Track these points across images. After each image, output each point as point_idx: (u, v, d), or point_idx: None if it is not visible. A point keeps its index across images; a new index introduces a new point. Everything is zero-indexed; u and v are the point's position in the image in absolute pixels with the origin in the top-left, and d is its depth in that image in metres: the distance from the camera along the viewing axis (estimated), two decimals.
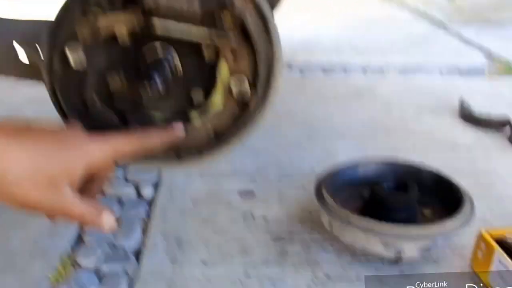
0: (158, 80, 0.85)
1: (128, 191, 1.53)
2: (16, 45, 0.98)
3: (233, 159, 1.72)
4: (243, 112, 0.90)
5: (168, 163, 0.97)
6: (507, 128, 1.94)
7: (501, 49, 3.13)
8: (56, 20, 0.87)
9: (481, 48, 3.21)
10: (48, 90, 0.92)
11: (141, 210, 1.44)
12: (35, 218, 1.36)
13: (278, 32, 0.89)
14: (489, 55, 3.07)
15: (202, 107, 0.91)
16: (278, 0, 2.93)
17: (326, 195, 1.23)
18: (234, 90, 0.89)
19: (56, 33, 0.87)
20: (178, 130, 0.87)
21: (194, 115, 0.92)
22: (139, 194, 1.53)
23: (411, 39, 3.44)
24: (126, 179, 1.60)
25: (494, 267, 1.13)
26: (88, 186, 0.80)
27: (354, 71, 2.74)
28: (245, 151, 1.77)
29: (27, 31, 0.98)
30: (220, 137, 0.92)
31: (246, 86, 0.88)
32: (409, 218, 1.23)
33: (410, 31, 3.68)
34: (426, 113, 2.15)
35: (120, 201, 1.48)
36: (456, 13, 3.84)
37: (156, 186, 1.56)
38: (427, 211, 1.29)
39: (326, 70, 2.74)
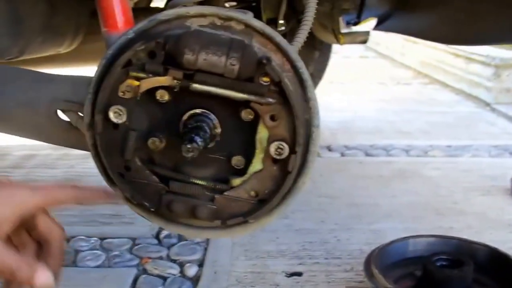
0: (199, 143, 0.86)
1: (172, 271, 1.58)
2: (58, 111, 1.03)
3: (279, 239, 1.77)
4: (284, 177, 0.91)
5: (215, 233, 1.00)
6: None
7: None
8: (96, 81, 0.91)
9: None
10: (91, 152, 0.97)
11: None
12: None
13: (316, 99, 0.93)
14: None
15: (243, 173, 0.94)
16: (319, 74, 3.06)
17: (376, 273, 1.26)
18: (274, 155, 0.91)
19: (98, 94, 0.91)
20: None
21: (235, 181, 0.94)
22: (183, 274, 1.58)
23: (455, 120, 3.51)
24: (171, 259, 1.65)
25: None
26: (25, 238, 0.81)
27: (397, 153, 2.79)
28: (291, 232, 1.82)
29: (67, 91, 1.03)
30: (263, 202, 0.94)
31: (286, 151, 0.90)
32: None
33: (455, 112, 3.75)
34: (477, 194, 2.18)
35: (165, 280, 1.53)
36: (503, 94, 3.90)
37: (200, 265, 1.61)
38: None
39: (368, 152, 2.81)
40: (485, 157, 2.74)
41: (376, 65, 6.18)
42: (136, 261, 1.64)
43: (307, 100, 0.91)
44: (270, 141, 0.90)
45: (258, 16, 2.33)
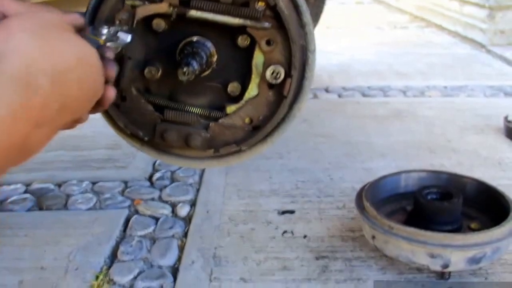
0: (195, 65, 0.85)
1: (164, 211, 1.53)
2: None
3: (271, 178, 1.71)
4: (279, 102, 0.90)
5: (208, 162, 0.96)
6: None
7: None
8: (92, 10, 0.89)
9: None
10: None
11: (178, 230, 1.44)
12: (69, 235, 1.38)
13: (312, 24, 0.89)
14: None
15: (238, 100, 0.92)
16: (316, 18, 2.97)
17: (368, 205, 1.21)
18: (270, 80, 0.89)
19: (94, 23, 0.88)
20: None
21: (230, 108, 0.92)
22: (175, 214, 1.52)
23: (452, 62, 3.42)
24: (163, 200, 1.60)
25: None
26: None
27: (394, 94, 2.72)
28: (284, 171, 1.76)
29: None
30: (257, 129, 0.91)
31: (281, 75, 0.89)
32: (454, 230, 1.20)
33: (451, 53, 3.66)
34: (470, 133, 2.12)
35: (157, 221, 1.48)
36: (498, 36, 3.80)
37: (192, 205, 1.56)
38: (473, 225, 1.25)
39: (365, 93, 2.73)
40: (480, 97, 2.67)
41: (372, 10, 6.05)
42: (128, 203, 1.59)
43: (302, 26, 0.89)
44: (266, 65, 0.89)
45: None
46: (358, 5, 6.63)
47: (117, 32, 0.76)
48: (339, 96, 2.71)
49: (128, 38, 0.76)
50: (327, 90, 2.79)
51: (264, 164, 1.81)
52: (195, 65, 0.85)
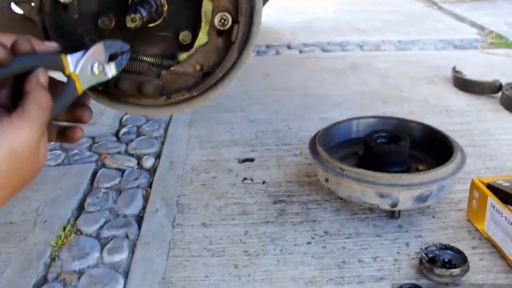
0: (143, 12, 0.82)
1: (130, 164, 1.49)
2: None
3: (232, 129, 1.68)
4: (228, 49, 0.87)
5: (161, 110, 0.93)
6: (500, 93, 1.89)
7: (492, 24, 3.08)
8: None
9: (473, 24, 3.16)
10: (41, 34, 0.89)
11: (143, 180, 1.41)
12: (37, 190, 1.34)
13: None
14: (481, 30, 3.01)
15: (189, 47, 0.88)
16: None
17: (320, 150, 1.19)
18: (218, 26, 0.86)
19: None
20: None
21: (181, 56, 0.89)
22: (141, 166, 1.49)
23: (406, 18, 3.39)
24: (129, 153, 1.56)
25: (488, 214, 1.09)
26: None
27: (352, 48, 2.68)
28: (245, 123, 1.73)
29: None
30: (208, 75, 0.89)
31: (229, 21, 0.86)
32: (403, 171, 1.18)
33: (405, 11, 3.63)
34: (421, 83, 2.10)
35: (123, 173, 1.44)
36: None
37: (157, 157, 1.52)
38: (421, 166, 1.24)
39: (325, 48, 2.69)
40: (431, 50, 2.65)
41: None
42: (95, 157, 1.55)
43: None
44: (214, 12, 0.86)
45: None
46: None
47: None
48: (300, 51, 2.66)
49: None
50: (289, 47, 2.74)
51: (226, 116, 1.77)
52: (143, 12, 0.81)
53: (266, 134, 1.64)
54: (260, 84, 2.08)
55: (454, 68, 2.11)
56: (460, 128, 1.66)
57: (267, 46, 2.72)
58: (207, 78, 0.88)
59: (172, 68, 0.89)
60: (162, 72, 0.89)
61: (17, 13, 0.98)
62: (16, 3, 1.00)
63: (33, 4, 0.92)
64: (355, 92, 2.01)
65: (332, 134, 1.30)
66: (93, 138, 1.66)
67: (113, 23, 0.88)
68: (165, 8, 0.89)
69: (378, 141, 1.21)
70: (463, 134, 1.61)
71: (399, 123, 1.33)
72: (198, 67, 0.89)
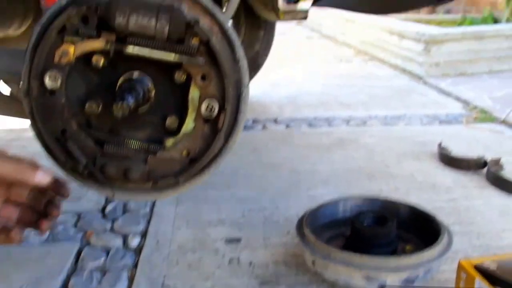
0: (130, 100, 0.84)
1: (116, 242, 1.49)
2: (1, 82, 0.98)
3: (219, 208, 1.69)
4: (215, 135, 0.90)
5: (147, 195, 0.95)
6: (485, 169, 1.93)
7: (477, 99, 3.16)
8: (32, 48, 0.87)
9: (458, 99, 3.24)
10: (28, 116, 0.91)
11: (128, 260, 1.41)
12: (20, 270, 1.33)
13: (245, 59, 0.89)
14: (466, 105, 3.09)
15: (176, 133, 0.91)
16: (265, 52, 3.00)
17: (307, 232, 1.20)
18: (205, 113, 0.89)
19: (33, 60, 0.86)
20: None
21: (168, 142, 0.91)
22: (127, 245, 1.49)
23: (392, 92, 3.47)
24: (115, 231, 1.56)
25: None
26: None
27: (338, 124, 2.74)
28: (232, 201, 1.75)
29: (5, 63, 0.97)
30: (194, 161, 0.91)
31: (216, 109, 0.88)
32: (390, 253, 1.20)
33: (391, 85, 3.72)
34: (407, 159, 2.14)
35: (108, 252, 1.44)
36: (433, 68, 3.89)
37: (143, 236, 1.53)
38: (408, 247, 1.26)
39: (311, 123, 2.74)
40: (417, 125, 2.71)
41: (321, 45, 6.12)
42: (80, 235, 1.55)
43: (236, 61, 0.89)
44: (201, 100, 0.89)
45: None
46: (307, 39, 6.71)
47: None
48: (287, 126, 2.71)
49: None
50: (275, 121, 2.79)
51: (213, 194, 1.79)
52: (130, 100, 0.84)
53: (253, 212, 1.66)
54: (247, 160, 2.11)
55: (440, 144, 2.15)
56: (447, 205, 1.69)
57: (254, 121, 2.77)
58: (194, 164, 0.91)
59: (158, 154, 0.91)
60: (149, 157, 0.91)
61: (2, 94, 1.01)
62: (6, 82, 1.03)
63: (20, 87, 0.95)
64: (342, 168, 2.04)
65: (319, 215, 1.33)
66: (78, 214, 1.67)
67: (100, 107, 0.91)
68: (152, 93, 0.92)
69: (365, 223, 1.23)
70: (450, 211, 1.63)
71: (385, 204, 1.36)
72: (184, 153, 0.91)
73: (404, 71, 4.20)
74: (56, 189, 0.85)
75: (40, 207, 0.87)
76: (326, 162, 2.11)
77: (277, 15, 2.24)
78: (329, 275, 1.16)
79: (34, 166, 0.81)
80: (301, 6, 2.49)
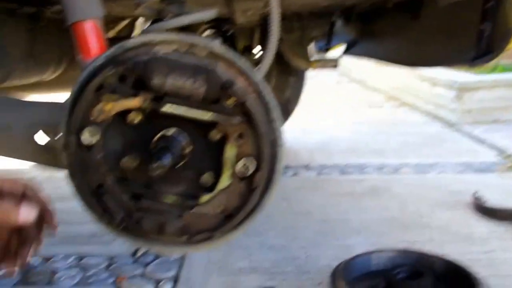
0: (166, 160, 0.85)
1: None
2: (39, 132, 1.00)
3: (251, 255, 1.69)
4: (250, 193, 0.90)
5: (182, 248, 0.95)
6: None
7: (510, 146, 3.13)
8: (71, 104, 0.89)
9: (492, 146, 3.20)
10: (65, 171, 0.92)
11: None
12: None
13: (280, 118, 0.90)
14: (500, 152, 3.06)
15: (211, 189, 0.91)
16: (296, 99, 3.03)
17: (341, 285, 1.20)
18: (240, 171, 0.89)
19: (71, 117, 0.89)
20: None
21: (204, 198, 0.91)
22: None
23: (424, 140, 3.46)
24: (146, 277, 1.57)
25: None
26: None
27: (370, 171, 2.73)
28: (263, 248, 1.74)
29: (44, 115, 1.00)
30: (229, 217, 0.91)
31: (252, 168, 0.89)
32: None
33: (423, 132, 3.71)
34: (441, 209, 2.12)
35: None
36: (466, 115, 3.87)
37: (175, 282, 1.53)
38: None
39: (343, 170, 2.74)
40: (450, 173, 2.68)
41: (350, 89, 6.16)
42: (112, 279, 1.56)
43: (271, 121, 0.90)
44: (237, 158, 0.89)
45: (233, 46, 2.30)
46: (337, 84, 6.75)
47: None
48: (318, 173, 2.72)
49: None
50: (307, 168, 2.80)
51: (244, 241, 1.79)
52: (165, 160, 0.85)
53: (285, 261, 1.65)
54: (278, 207, 2.11)
55: (474, 194, 2.13)
56: (483, 257, 1.65)
57: (286, 167, 2.78)
58: (229, 221, 0.91)
59: (194, 209, 0.91)
60: (184, 212, 0.91)
61: (39, 145, 1.03)
62: (46, 133, 1.05)
63: (57, 139, 0.97)
64: (374, 217, 2.03)
65: (352, 267, 1.32)
66: (110, 258, 1.68)
67: (136, 162, 0.92)
68: (189, 150, 0.93)
69: (399, 276, 1.22)
70: (486, 263, 1.60)
71: (420, 257, 1.34)
72: (220, 209, 0.91)
73: (435, 117, 4.18)
74: (42, 222, 0.85)
75: (13, 247, 0.85)
76: (358, 211, 2.10)
77: (307, 64, 2.27)
78: None
79: (16, 203, 0.80)
80: (331, 55, 2.53)
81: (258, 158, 0.89)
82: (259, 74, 0.95)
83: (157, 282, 1.54)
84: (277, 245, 1.77)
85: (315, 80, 6.02)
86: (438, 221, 1.99)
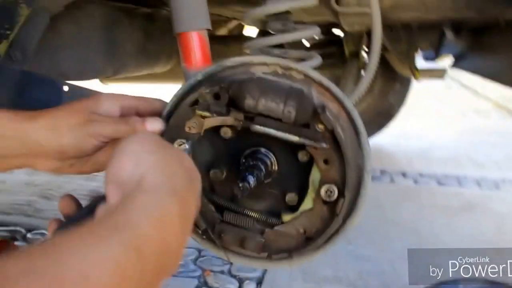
0: (251, 183, 0.85)
1: (232, 286, 1.51)
2: None
3: (337, 263, 1.66)
4: (333, 217, 0.88)
5: (260, 264, 0.95)
6: None
7: None
8: (166, 116, 0.90)
9: None
10: None
11: None
12: None
13: (369, 145, 0.87)
14: None
15: (294, 210, 0.90)
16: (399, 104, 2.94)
17: None
18: (324, 196, 0.87)
19: (165, 129, 0.90)
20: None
21: (286, 217, 0.90)
22: None
23: None
24: (231, 274, 1.58)
25: None
26: None
27: (469, 184, 2.61)
28: (350, 257, 1.71)
29: None
30: (309, 240, 0.89)
31: (335, 194, 0.87)
32: None
33: None
34: None
35: None
36: None
37: (259, 283, 1.54)
38: None
39: (441, 181, 2.63)
40: None
41: (459, 96, 5.90)
42: (198, 273, 1.59)
43: (360, 147, 0.87)
44: (322, 183, 0.87)
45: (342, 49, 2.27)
46: (446, 89, 6.49)
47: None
48: (415, 182, 2.63)
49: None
50: (404, 175, 2.71)
51: (332, 248, 1.76)
52: (251, 180, 0.85)
53: (371, 275, 1.61)
54: (370, 215, 2.06)
55: None
56: None
57: (382, 172, 2.71)
58: (310, 243, 0.89)
59: (276, 228, 0.90)
60: (266, 229, 0.90)
61: None
62: None
63: None
64: (467, 237, 1.93)
65: None
66: (199, 251, 1.71)
67: (224, 175, 0.93)
68: (276, 168, 0.92)
69: None
70: None
71: None
72: (301, 231, 0.90)
73: None
74: None
75: None
76: (451, 228, 2.01)
77: (413, 74, 2.19)
78: None
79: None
80: (439, 65, 2.42)
81: (343, 184, 0.86)
82: (351, 100, 0.92)
83: (241, 281, 1.55)
84: (365, 256, 1.73)
85: (424, 85, 5.82)
86: None
